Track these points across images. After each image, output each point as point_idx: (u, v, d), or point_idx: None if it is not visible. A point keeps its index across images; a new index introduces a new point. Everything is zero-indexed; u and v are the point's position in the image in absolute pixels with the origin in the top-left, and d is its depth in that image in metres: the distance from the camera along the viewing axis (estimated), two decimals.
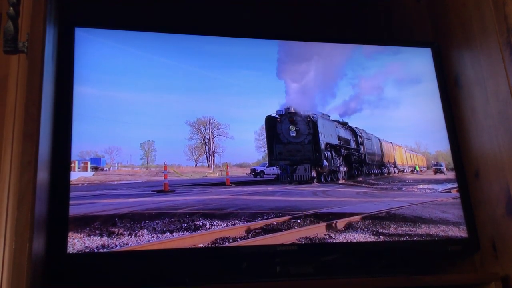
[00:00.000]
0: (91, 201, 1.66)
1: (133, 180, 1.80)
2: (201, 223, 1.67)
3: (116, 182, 1.79)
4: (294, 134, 1.96)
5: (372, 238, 1.76)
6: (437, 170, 2.07)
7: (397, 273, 1.70)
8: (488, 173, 1.77)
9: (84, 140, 1.67)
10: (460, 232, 1.82)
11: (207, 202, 1.75)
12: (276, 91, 1.93)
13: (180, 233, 1.63)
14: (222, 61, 1.89)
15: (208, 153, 1.92)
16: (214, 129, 1.88)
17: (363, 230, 1.78)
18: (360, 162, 2.16)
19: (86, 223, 1.58)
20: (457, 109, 1.96)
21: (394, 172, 2.20)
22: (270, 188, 1.90)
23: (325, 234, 1.74)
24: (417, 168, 2.15)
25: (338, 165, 2.07)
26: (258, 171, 1.97)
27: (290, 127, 1.95)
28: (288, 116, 1.95)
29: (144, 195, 1.75)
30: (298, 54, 1.99)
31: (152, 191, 1.77)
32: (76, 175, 1.67)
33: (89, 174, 1.76)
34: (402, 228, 1.81)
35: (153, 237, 1.60)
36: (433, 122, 2.00)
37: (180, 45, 1.87)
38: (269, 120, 1.92)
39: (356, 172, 2.12)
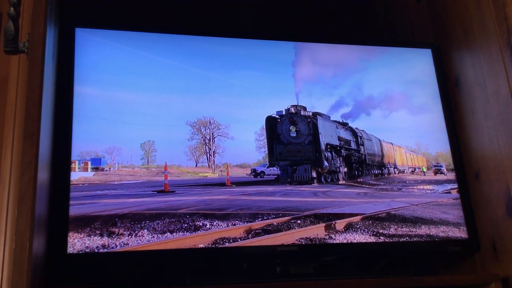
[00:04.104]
0: (92, 201, 1.66)
1: (134, 180, 1.80)
2: (201, 223, 1.67)
3: (116, 182, 1.79)
4: (295, 135, 1.96)
5: (372, 239, 1.76)
6: (437, 171, 2.07)
7: (397, 273, 1.70)
8: (488, 174, 1.77)
9: (84, 140, 1.67)
10: (460, 232, 1.82)
11: (208, 203, 1.75)
12: (277, 92, 1.93)
13: (180, 233, 1.63)
14: (223, 61, 1.89)
15: (208, 154, 1.92)
16: (215, 129, 1.88)
17: (363, 230, 1.78)
18: (360, 162, 2.16)
19: (87, 223, 1.58)
20: (457, 109, 1.96)
21: (395, 173, 2.20)
22: (270, 188, 1.90)
23: (325, 235, 1.74)
24: (424, 169, 2.14)
25: (339, 165, 2.07)
26: (259, 171, 1.97)
27: (290, 128, 1.95)
28: (288, 116, 1.95)
29: (145, 195, 1.75)
30: (298, 54, 1.99)
31: (152, 191, 1.77)
32: (77, 175, 1.68)
33: (89, 174, 1.76)
34: (402, 229, 1.81)
35: (154, 237, 1.60)
36: (433, 123, 2.00)
37: (181, 45, 1.87)
38: (270, 121, 1.92)
39: (356, 172, 2.12)
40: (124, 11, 2.08)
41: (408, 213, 1.87)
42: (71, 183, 1.61)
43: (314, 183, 1.93)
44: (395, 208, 1.88)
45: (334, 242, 1.73)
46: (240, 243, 1.66)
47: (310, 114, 1.97)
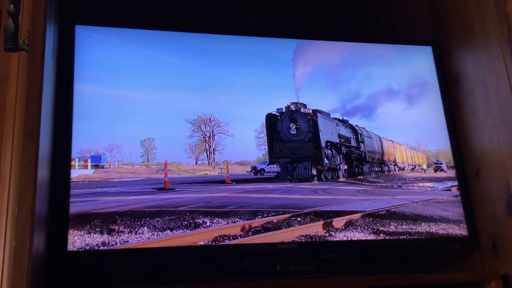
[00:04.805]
0: (92, 198, 1.66)
1: (134, 177, 1.80)
2: (201, 221, 1.67)
3: (116, 180, 1.79)
4: (295, 132, 1.96)
5: (372, 236, 1.76)
6: (438, 168, 2.08)
7: (397, 271, 1.70)
8: (488, 172, 1.77)
9: (84, 138, 1.67)
10: (460, 230, 1.82)
11: (208, 200, 1.76)
12: (277, 89, 1.93)
13: (180, 230, 1.63)
14: (223, 59, 1.89)
15: (208, 151, 1.92)
16: (215, 127, 1.88)
17: (363, 228, 1.78)
18: (360, 160, 2.16)
19: (87, 221, 1.58)
20: (457, 107, 1.95)
21: (395, 170, 2.20)
22: (270, 186, 1.90)
23: (325, 232, 1.74)
24: (424, 167, 2.14)
25: (339, 163, 2.07)
26: (259, 169, 1.97)
27: (290, 125, 1.95)
28: (288, 114, 1.95)
29: (145, 192, 1.75)
30: (298, 52, 1.99)
31: (152, 188, 1.77)
32: (77, 173, 1.68)
33: (89, 172, 1.76)
34: (402, 226, 1.81)
35: (153, 234, 1.60)
36: (433, 121, 2.00)
37: (181, 42, 1.87)
38: (270, 118, 1.92)
39: (356, 170, 2.12)
40: (124, 8, 2.08)
41: (408, 210, 1.87)
42: (71, 180, 1.61)
43: (314, 180, 1.93)
44: (395, 206, 1.88)
45: (334, 239, 1.73)
46: (240, 241, 1.66)
47: (310, 111, 1.97)
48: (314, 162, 1.94)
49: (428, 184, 2.06)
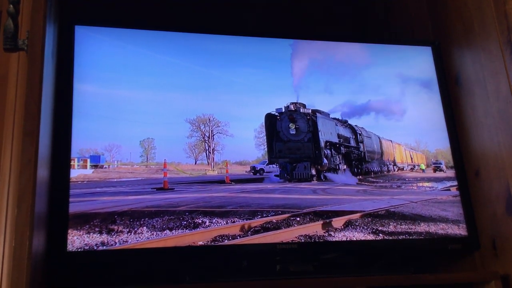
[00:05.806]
0: (91, 198, 1.66)
1: (133, 177, 1.80)
2: (200, 221, 1.67)
3: (115, 180, 1.79)
4: (294, 132, 1.96)
5: (371, 236, 1.76)
6: (437, 168, 2.07)
7: (397, 271, 1.70)
8: (488, 172, 1.76)
9: (84, 138, 1.67)
10: (460, 230, 1.82)
11: (207, 200, 1.76)
12: (276, 89, 1.93)
13: (180, 230, 1.63)
14: (223, 59, 1.89)
15: (207, 151, 1.92)
16: (214, 127, 1.88)
17: (363, 228, 1.78)
18: (360, 160, 2.16)
19: (86, 221, 1.58)
20: (457, 107, 1.95)
21: (394, 170, 2.20)
22: (269, 186, 1.90)
23: (324, 232, 1.74)
24: (422, 167, 2.14)
25: (338, 163, 2.07)
26: (258, 169, 1.97)
27: (290, 125, 1.95)
28: (288, 114, 1.95)
29: (144, 192, 1.75)
30: (299, 52, 1.99)
31: (151, 188, 1.77)
32: (76, 173, 1.67)
33: (88, 172, 1.76)
34: (401, 226, 1.81)
35: (153, 234, 1.60)
36: (433, 121, 1.99)
37: (180, 43, 1.87)
38: (269, 118, 1.92)
39: (355, 170, 2.12)
40: (124, 9, 2.08)
41: (408, 210, 1.87)
42: (70, 180, 1.61)
43: (313, 180, 1.93)
44: (394, 206, 1.88)
45: (334, 239, 1.73)
46: (239, 241, 1.66)
47: (310, 111, 1.97)
48: (313, 162, 1.94)
49: (428, 184, 2.06)
